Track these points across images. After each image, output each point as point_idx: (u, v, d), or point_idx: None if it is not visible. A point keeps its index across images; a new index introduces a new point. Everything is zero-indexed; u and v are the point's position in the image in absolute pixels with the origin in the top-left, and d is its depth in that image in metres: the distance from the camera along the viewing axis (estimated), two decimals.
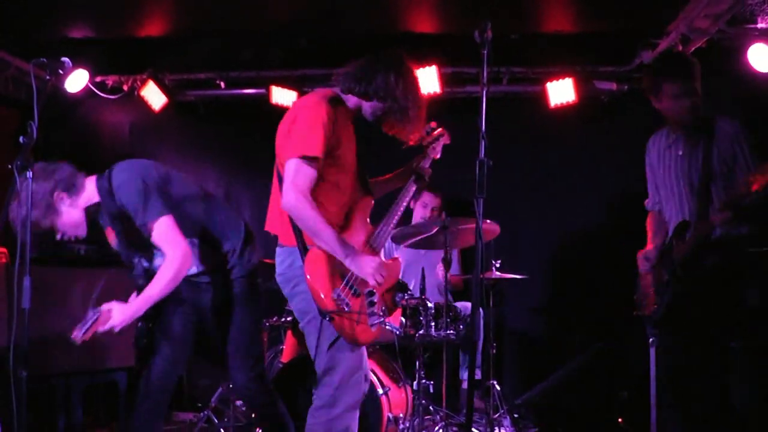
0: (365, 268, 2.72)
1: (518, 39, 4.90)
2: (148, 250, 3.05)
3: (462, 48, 4.85)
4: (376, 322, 2.77)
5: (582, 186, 5.55)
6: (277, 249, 2.84)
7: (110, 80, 5.57)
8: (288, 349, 4.34)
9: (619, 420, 4.76)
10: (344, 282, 2.72)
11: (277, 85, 5.47)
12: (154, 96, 5.52)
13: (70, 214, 2.99)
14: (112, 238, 3.12)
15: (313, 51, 5.31)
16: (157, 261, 3.04)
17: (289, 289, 2.81)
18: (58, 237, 3.07)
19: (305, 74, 5.59)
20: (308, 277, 2.66)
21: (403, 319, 4.07)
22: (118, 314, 2.83)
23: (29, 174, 2.62)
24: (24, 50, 5.02)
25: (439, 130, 3.20)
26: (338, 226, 2.77)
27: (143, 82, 5.48)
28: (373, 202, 2.96)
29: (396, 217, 2.98)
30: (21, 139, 3.23)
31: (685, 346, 3.26)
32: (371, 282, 2.74)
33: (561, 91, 5.26)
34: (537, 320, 5.49)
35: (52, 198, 2.93)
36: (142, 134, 5.98)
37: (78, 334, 2.74)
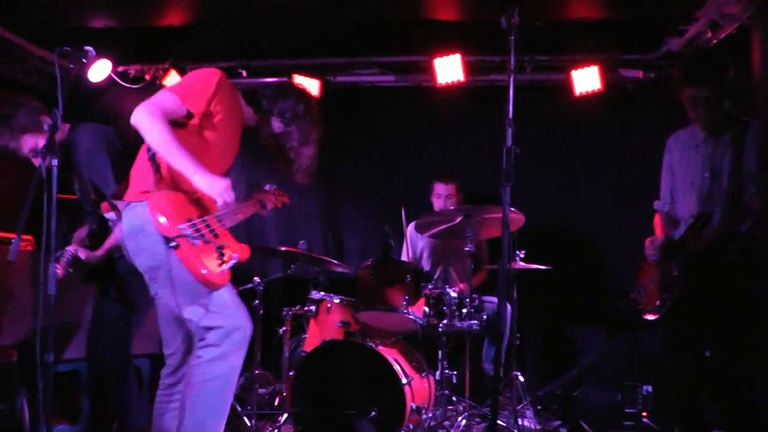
0: (215, 185, 2.56)
1: (543, 26, 4.82)
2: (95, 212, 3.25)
3: (486, 36, 4.79)
4: (224, 268, 2.57)
5: (607, 175, 5.48)
6: (131, 205, 2.64)
7: (132, 70, 5.60)
8: (311, 338, 4.33)
9: (643, 414, 4.70)
10: (200, 219, 2.60)
11: (299, 73, 5.45)
12: None
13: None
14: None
15: (335, 39, 5.27)
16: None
17: (134, 245, 2.64)
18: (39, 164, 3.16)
19: (326, 63, 5.57)
20: (149, 202, 2.51)
21: (427, 309, 4.05)
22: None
23: (54, 162, 2.63)
24: (47, 40, 5.05)
25: (285, 197, 3.27)
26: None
27: (165, 72, 5.49)
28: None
29: (241, 214, 2.90)
30: (45, 127, 3.27)
31: (696, 341, 3.22)
32: (219, 201, 2.58)
33: (586, 79, 5.19)
34: (560, 311, 5.44)
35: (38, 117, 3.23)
36: None
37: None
